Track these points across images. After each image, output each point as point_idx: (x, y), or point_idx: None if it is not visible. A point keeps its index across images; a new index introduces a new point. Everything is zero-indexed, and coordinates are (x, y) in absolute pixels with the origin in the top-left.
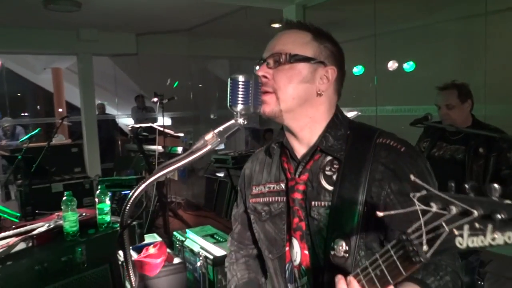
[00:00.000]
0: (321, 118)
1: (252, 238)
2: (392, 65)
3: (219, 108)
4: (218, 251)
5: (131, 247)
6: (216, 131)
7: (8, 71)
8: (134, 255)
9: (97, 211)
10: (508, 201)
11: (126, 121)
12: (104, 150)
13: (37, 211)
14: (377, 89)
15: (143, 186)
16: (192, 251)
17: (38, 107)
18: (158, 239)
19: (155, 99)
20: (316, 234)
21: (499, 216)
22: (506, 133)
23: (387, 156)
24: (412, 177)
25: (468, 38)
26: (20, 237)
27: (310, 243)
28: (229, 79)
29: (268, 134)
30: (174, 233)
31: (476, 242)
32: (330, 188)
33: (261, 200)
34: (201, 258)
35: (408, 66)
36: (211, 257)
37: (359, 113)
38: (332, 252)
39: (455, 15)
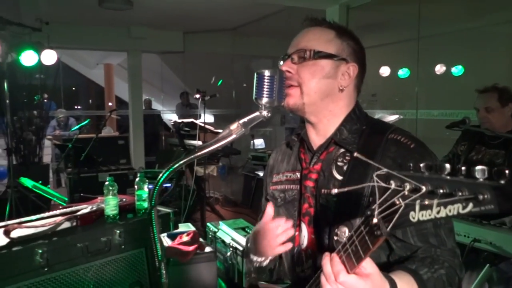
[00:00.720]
0: (340, 112)
1: None
2: (440, 68)
3: None
4: None
5: (166, 234)
6: (241, 121)
7: (64, 65)
8: (168, 242)
9: (136, 197)
10: (449, 177)
11: (171, 117)
12: (148, 144)
13: (81, 194)
14: (418, 92)
15: (171, 169)
16: (223, 242)
17: (90, 100)
18: (192, 228)
19: (197, 96)
20: (323, 220)
21: (441, 191)
22: None
23: (396, 151)
24: (356, 154)
25: None
26: (65, 217)
27: (317, 228)
28: (255, 74)
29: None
30: (208, 224)
31: (425, 215)
32: (339, 177)
33: (278, 188)
34: (231, 249)
35: (457, 70)
36: (241, 248)
37: (401, 116)
38: (335, 238)
39: (506, 18)
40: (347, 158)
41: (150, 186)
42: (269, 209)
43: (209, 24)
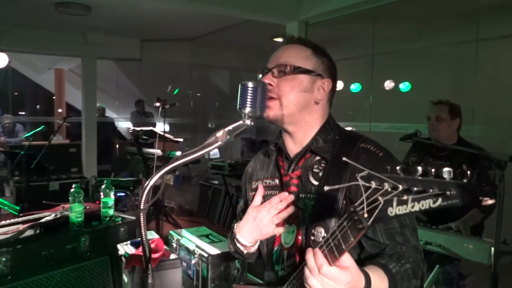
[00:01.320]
0: (315, 123)
1: None
2: (388, 84)
3: (217, 118)
4: (213, 250)
5: (129, 242)
6: (226, 129)
7: (11, 69)
8: (132, 250)
9: (101, 205)
10: (421, 178)
11: (125, 125)
12: (101, 152)
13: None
14: (372, 106)
15: (159, 174)
16: (187, 249)
17: (38, 106)
18: (155, 236)
19: (158, 104)
20: (302, 222)
21: (415, 189)
22: (488, 152)
23: (367, 158)
24: (344, 158)
25: (460, 62)
26: (29, 224)
27: (300, 229)
28: (240, 85)
29: (264, 145)
30: (171, 232)
31: (401, 210)
32: (316, 183)
33: None
34: (196, 256)
35: (404, 86)
36: (206, 255)
37: (353, 129)
38: (312, 238)
39: (448, 40)
40: (322, 165)
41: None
42: (260, 190)
43: (167, 33)
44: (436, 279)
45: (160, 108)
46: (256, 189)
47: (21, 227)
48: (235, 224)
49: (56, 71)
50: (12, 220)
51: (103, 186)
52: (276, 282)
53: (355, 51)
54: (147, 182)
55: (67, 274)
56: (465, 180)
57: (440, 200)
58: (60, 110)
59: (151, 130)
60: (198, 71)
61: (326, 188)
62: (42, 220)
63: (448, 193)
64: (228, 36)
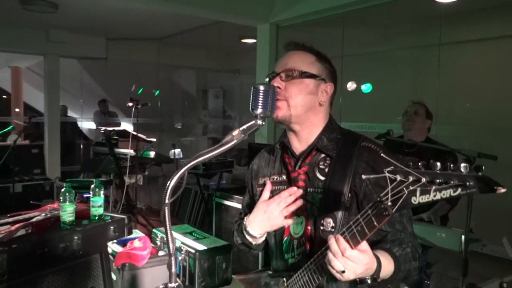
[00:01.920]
0: (319, 123)
1: None
2: (350, 85)
3: (184, 118)
4: (199, 246)
5: (115, 241)
6: (241, 128)
7: None
8: (119, 248)
9: (91, 203)
10: (442, 171)
11: (90, 125)
12: (63, 153)
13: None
14: (341, 106)
15: (180, 172)
16: None
17: None
18: (141, 234)
19: (130, 104)
20: (311, 214)
21: (437, 180)
22: (458, 149)
23: (369, 156)
24: (382, 154)
25: (422, 65)
26: (21, 224)
27: (310, 220)
28: (252, 88)
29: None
30: (154, 230)
31: (424, 199)
32: (322, 178)
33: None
34: (182, 252)
35: (366, 87)
36: (193, 251)
37: None
38: (322, 228)
39: (411, 43)
40: (327, 162)
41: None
42: (268, 186)
43: (134, 32)
44: None
45: (133, 108)
46: (263, 185)
47: (12, 227)
48: (245, 218)
49: (12, 69)
50: (2, 221)
51: (92, 186)
52: (286, 269)
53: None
54: (169, 180)
55: (59, 272)
56: (480, 173)
57: (460, 189)
58: (17, 110)
59: (124, 130)
60: (164, 70)
61: (364, 177)
62: (33, 220)
63: (467, 184)
64: (196, 37)
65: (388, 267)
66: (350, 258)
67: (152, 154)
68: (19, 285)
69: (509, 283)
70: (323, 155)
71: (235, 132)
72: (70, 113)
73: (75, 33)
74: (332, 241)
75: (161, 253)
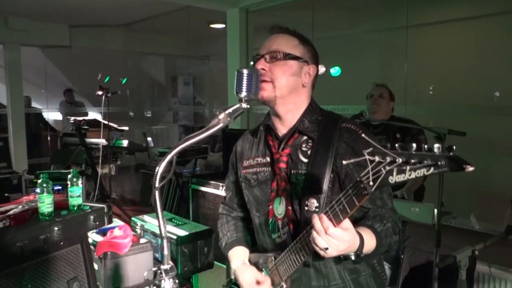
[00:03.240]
0: (302, 104)
1: (239, 202)
2: (320, 69)
3: (153, 105)
4: (181, 232)
5: (94, 230)
6: (226, 112)
7: None
8: (99, 238)
9: (69, 193)
10: (417, 152)
11: (56, 116)
12: (29, 145)
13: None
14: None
15: (169, 156)
16: (153, 233)
17: None
18: (120, 223)
19: (100, 92)
20: (295, 195)
21: (412, 161)
22: (416, 122)
23: (349, 137)
24: (363, 135)
25: (390, 47)
26: None
27: (291, 201)
28: (236, 72)
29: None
30: (133, 218)
31: (400, 178)
32: (305, 160)
33: (250, 171)
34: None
35: (334, 71)
36: (175, 237)
37: None
38: (306, 208)
39: (379, 27)
40: (309, 144)
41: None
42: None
43: (98, 18)
44: None
45: (103, 97)
46: (248, 167)
47: None
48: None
49: None
50: None
51: (69, 176)
52: (274, 247)
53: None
54: (158, 167)
55: (40, 265)
56: (451, 153)
57: (432, 169)
58: None
59: (95, 120)
60: (132, 58)
61: (344, 162)
62: (11, 213)
63: (439, 163)
64: (164, 22)
65: (370, 243)
66: (333, 236)
67: (125, 143)
68: (1, 279)
69: (480, 250)
70: (305, 137)
71: (221, 116)
72: (34, 104)
73: (36, 20)
74: (316, 220)
75: (142, 240)
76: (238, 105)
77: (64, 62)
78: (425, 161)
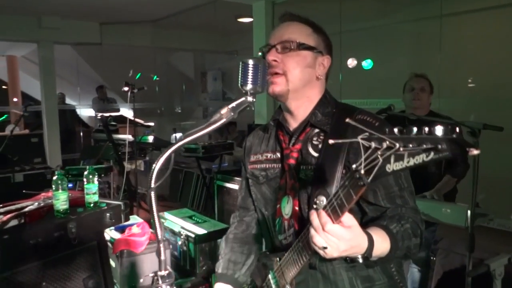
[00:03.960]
0: (315, 97)
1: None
2: (351, 62)
3: (183, 101)
4: (199, 230)
5: (113, 227)
6: (230, 106)
7: None
8: (117, 235)
9: (85, 191)
10: (416, 136)
11: (88, 112)
12: (63, 141)
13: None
14: (341, 84)
15: (166, 154)
16: (172, 231)
17: None
18: (139, 220)
19: (126, 88)
20: (303, 192)
21: (410, 145)
22: (455, 120)
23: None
24: (347, 119)
25: (424, 38)
26: (12, 214)
27: (299, 200)
28: (240, 62)
29: (232, 127)
30: None
31: (398, 166)
32: (315, 154)
33: (258, 166)
34: (182, 237)
35: (366, 63)
36: (193, 235)
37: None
38: (315, 206)
39: (412, 16)
40: (321, 137)
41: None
42: None
43: (128, 15)
44: None
45: (129, 93)
46: (255, 162)
47: (4, 217)
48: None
49: (8, 58)
50: None
51: (85, 173)
52: (280, 249)
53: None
54: (155, 163)
55: (56, 262)
56: (454, 135)
57: (432, 154)
58: (15, 99)
59: (121, 116)
60: (161, 54)
61: (331, 141)
62: (26, 210)
63: (439, 147)
64: (191, 18)
65: (382, 245)
66: (331, 233)
67: (150, 138)
68: (14, 277)
69: None
70: (317, 130)
71: (224, 110)
72: (69, 101)
73: (68, 19)
74: (313, 216)
75: None
76: (243, 99)
77: (95, 59)
78: (424, 145)
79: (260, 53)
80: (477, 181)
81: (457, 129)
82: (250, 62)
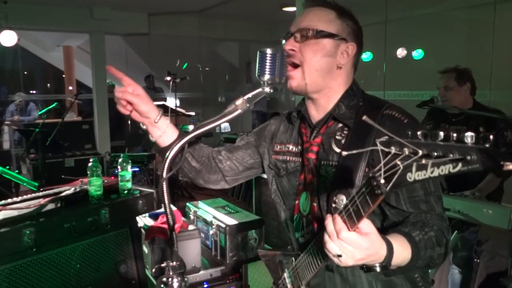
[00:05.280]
0: (338, 88)
1: (237, 160)
2: (401, 52)
3: (227, 91)
4: (230, 221)
5: (147, 214)
6: (245, 97)
7: (20, 48)
8: (150, 222)
9: (119, 178)
10: (442, 143)
11: None
12: (113, 128)
13: (63, 176)
14: (385, 74)
15: (179, 144)
16: (205, 220)
17: (48, 84)
18: (173, 208)
19: (168, 78)
20: (322, 189)
21: (435, 154)
22: (504, 114)
23: (391, 125)
24: (364, 117)
25: (476, 26)
26: (50, 198)
27: (317, 197)
28: (258, 52)
29: (274, 116)
30: (187, 204)
31: (420, 175)
32: (338, 150)
33: (280, 158)
34: (213, 227)
35: (417, 53)
36: (223, 225)
37: None
38: (334, 205)
39: (464, 3)
40: (345, 132)
41: (135, 169)
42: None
43: (175, 5)
44: (455, 245)
45: (171, 83)
46: (278, 153)
47: (42, 201)
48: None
49: (64, 48)
50: (33, 195)
51: (120, 160)
52: (297, 248)
53: (367, 19)
54: (168, 152)
55: (89, 246)
56: (487, 145)
57: (460, 165)
58: (70, 88)
59: (164, 105)
60: (207, 44)
61: (344, 153)
62: (63, 194)
63: (468, 158)
64: (236, 7)
65: (403, 253)
66: (346, 241)
67: (191, 127)
68: (48, 258)
69: None
70: (340, 125)
71: (239, 101)
72: None
73: (118, 10)
74: (328, 221)
75: (191, 227)
76: (259, 90)
77: (144, 49)
78: (451, 155)
79: (283, 41)
80: None
81: (491, 138)
82: (268, 51)
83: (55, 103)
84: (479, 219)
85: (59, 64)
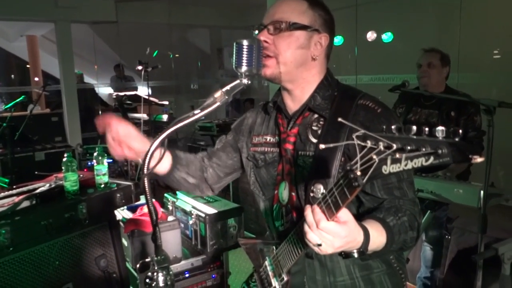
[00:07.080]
0: (313, 79)
1: (217, 166)
2: (371, 35)
3: (200, 78)
4: (210, 210)
5: (125, 207)
6: (223, 89)
7: None
8: (129, 214)
9: (95, 172)
10: (415, 137)
11: (106, 91)
12: (83, 119)
13: (36, 173)
14: (357, 59)
15: (160, 138)
16: (184, 210)
17: (12, 76)
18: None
19: (140, 67)
20: (300, 179)
21: (408, 147)
22: (477, 99)
23: (365, 115)
24: (339, 119)
25: (444, 9)
26: (24, 195)
27: (296, 186)
28: (234, 43)
29: (248, 103)
30: (166, 195)
31: (395, 168)
32: (315, 141)
33: (258, 150)
34: (193, 216)
35: (386, 36)
36: (203, 215)
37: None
38: (312, 194)
39: None
40: (321, 123)
41: (109, 161)
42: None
43: None
44: (427, 224)
45: (143, 72)
46: (257, 145)
47: (16, 198)
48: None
49: (28, 38)
50: (7, 193)
51: (95, 154)
52: (277, 237)
53: (338, 2)
54: (149, 148)
55: (67, 242)
56: (456, 139)
57: (432, 158)
58: (36, 79)
59: (136, 95)
60: (177, 31)
61: (321, 146)
62: (38, 191)
63: (439, 151)
64: None
65: (378, 239)
66: (325, 230)
67: (165, 117)
68: (26, 257)
69: None
70: (316, 116)
71: (217, 94)
72: (87, 79)
73: None
74: (307, 212)
75: (170, 218)
76: (237, 81)
77: (112, 37)
78: (424, 148)
79: (255, 32)
80: (491, 162)
81: (460, 132)
82: (245, 43)
83: (23, 96)
84: (451, 199)
85: (23, 54)
